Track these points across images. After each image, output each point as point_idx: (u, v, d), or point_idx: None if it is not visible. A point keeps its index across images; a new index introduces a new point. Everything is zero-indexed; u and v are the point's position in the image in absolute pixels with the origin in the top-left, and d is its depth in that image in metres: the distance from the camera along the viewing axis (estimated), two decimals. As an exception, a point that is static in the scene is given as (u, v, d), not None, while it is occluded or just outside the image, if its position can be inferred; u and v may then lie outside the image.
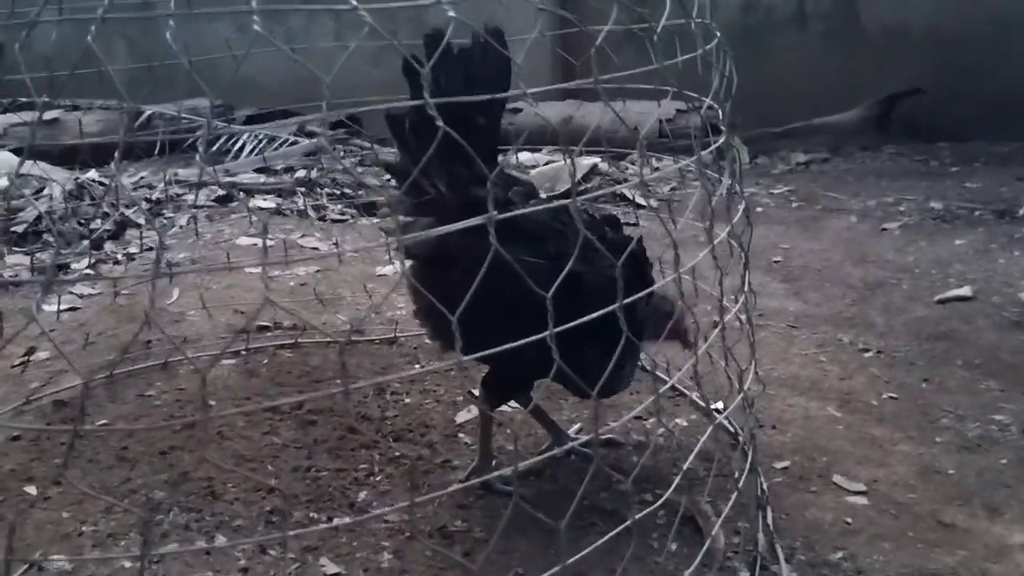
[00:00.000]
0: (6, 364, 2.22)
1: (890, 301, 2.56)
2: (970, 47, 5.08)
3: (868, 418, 1.85)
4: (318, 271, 2.95)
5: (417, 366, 2.18)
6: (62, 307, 2.62)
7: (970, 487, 1.59)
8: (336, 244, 3.30)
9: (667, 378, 1.89)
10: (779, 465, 1.66)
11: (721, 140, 1.37)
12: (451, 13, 0.97)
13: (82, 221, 3.74)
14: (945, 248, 3.06)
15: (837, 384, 2.01)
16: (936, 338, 2.28)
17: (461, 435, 1.81)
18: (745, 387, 1.38)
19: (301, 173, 4.73)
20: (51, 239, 3.49)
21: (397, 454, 1.73)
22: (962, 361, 2.12)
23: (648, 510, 1.27)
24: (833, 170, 4.69)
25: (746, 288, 1.43)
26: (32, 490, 1.64)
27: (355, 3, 0.79)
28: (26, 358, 2.23)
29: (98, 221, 3.77)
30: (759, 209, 3.74)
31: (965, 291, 2.58)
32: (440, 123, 0.86)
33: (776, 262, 2.98)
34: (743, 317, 1.42)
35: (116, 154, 0.86)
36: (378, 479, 1.65)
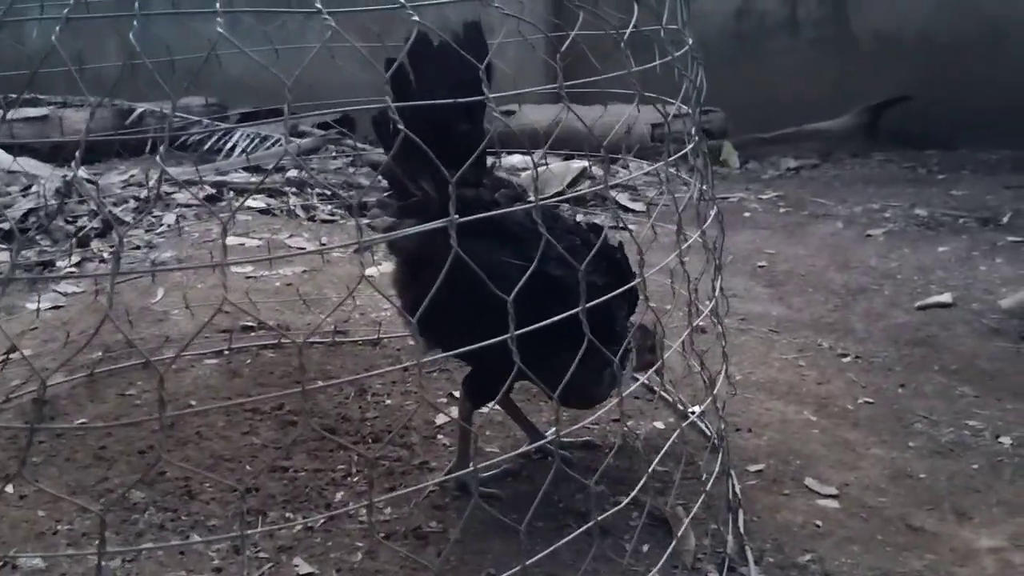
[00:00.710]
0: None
1: (871, 307, 2.58)
2: (960, 55, 5.12)
3: (843, 422, 1.87)
4: (304, 271, 2.96)
5: (399, 367, 2.18)
6: (46, 305, 2.62)
7: (940, 491, 1.61)
8: (322, 244, 3.31)
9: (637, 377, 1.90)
10: (753, 468, 1.67)
11: (689, 145, 1.39)
12: (415, 18, 0.98)
13: (70, 219, 3.74)
14: (928, 255, 3.08)
15: (814, 388, 2.03)
16: (914, 344, 2.30)
17: (440, 437, 1.82)
18: (716, 390, 1.39)
19: (292, 173, 4.74)
20: (37, 237, 3.49)
21: (376, 455, 1.74)
22: (939, 367, 2.14)
23: (613, 510, 1.28)
24: (822, 176, 4.71)
25: (717, 292, 1.44)
26: (9, 489, 1.64)
27: (319, 6, 0.80)
28: (6, 356, 2.23)
29: (85, 219, 3.77)
30: (746, 214, 3.77)
31: (945, 298, 2.61)
32: (401, 127, 0.88)
33: (761, 267, 3.00)
34: (714, 320, 1.44)
35: (77, 154, 0.86)
36: (355, 480, 1.66)
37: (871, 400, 1.96)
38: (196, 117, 5.53)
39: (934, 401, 1.96)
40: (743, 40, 5.71)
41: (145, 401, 2.02)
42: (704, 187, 1.41)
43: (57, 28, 0.77)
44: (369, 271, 2.99)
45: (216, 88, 5.72)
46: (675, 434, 1.36)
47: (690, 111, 1.37)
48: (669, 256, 1.29)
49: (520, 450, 1.63)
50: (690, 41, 1.36)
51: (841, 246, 3.22)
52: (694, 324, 1.34)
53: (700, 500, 1.45)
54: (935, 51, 5.19)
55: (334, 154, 5.33)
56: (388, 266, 3.09)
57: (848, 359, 2.19)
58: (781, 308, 2.60)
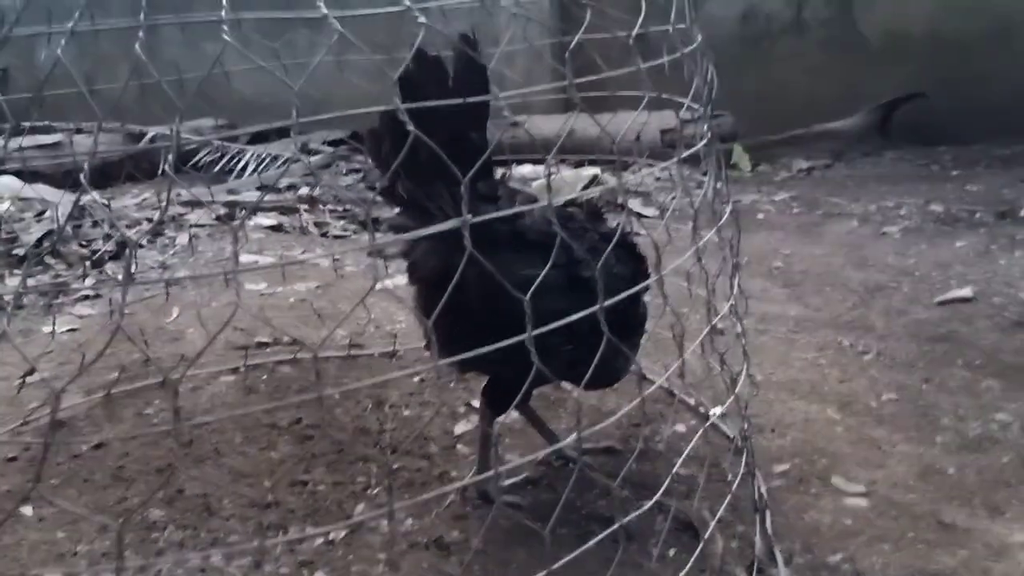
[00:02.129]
0: (7, 385, 2.22)
1: (890, 304, 2.55)
2: (970, 51, 5.08)
3: (868, 420, 1.84)
4: (318, 287, 2.95)
5: (415, 378, 2.17)
6: (62, 328, 2.63)
7: (970, 486, 1.57)
8: (335, 260, 3.32)
9: (654, 379, 1.88)
10: (778, 468, 1.65)
11: (702, 143, 1.37)
12: (421, 19, 0.97)
13: (84, 243, 3.77)
14: (946, 250, 3.04)
15: (837, 387, 2.00)
16: (936, 340, 2.26)
17: (459, 446, 1.81)
18: (737, 390, 1.37)
19: (304, 190, 4.76)
20: (52, 261, 3.52)
21: (396, 467, 1.72)
22: (962, 362, 2.11)
23: (635, 513, 1.25)
24: (835, 176, 4.68)
25: (735, 291, 1.42)
26: (28, 511, 1.64)
27: (323, 9, 0.79)
28: (23, 379, 2.24)
29: (100, 242, 3.79)
30: (760, 216, 3.74)
31: (966, 292, 2.57)
32: (411, 127, 0.87)
33: (777, 268, 2.97)
34: (734, 320, 1.42)
35: (86, 166, 0.85)
36: (375, 492, 1.64)
37: (895, 397, 1.93)
38: (207, 138, 5.57)
39: (959, 396, 1.93)
40: (750, 43, 5.69)
41: (163, 420, 2.01)
42: (718, 185, 1.40)
43: (62, 41, 0.76)
44: (387, 283, 2.99)
45: (226, 108, 5.77)
46: (697, 436, 1.34)
47: (701, 110, 1.36)
48: (683, 258, 1.27)
49: (540, 454, 1.61)
50: (699, 38, 1.35)
51: (857, 244, 3.18)
52: (713, 323, 1.32)
53: (726, 502, 1.42)
54: (945, 48, 5.16)
55: (345, 170, 5.34)
56: (400, 279, 3.08)
57: (870, 356, 2.16)
58: (799, 308, 2.57)
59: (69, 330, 2.65)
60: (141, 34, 0.80)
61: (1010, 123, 4.84)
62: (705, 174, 1.53)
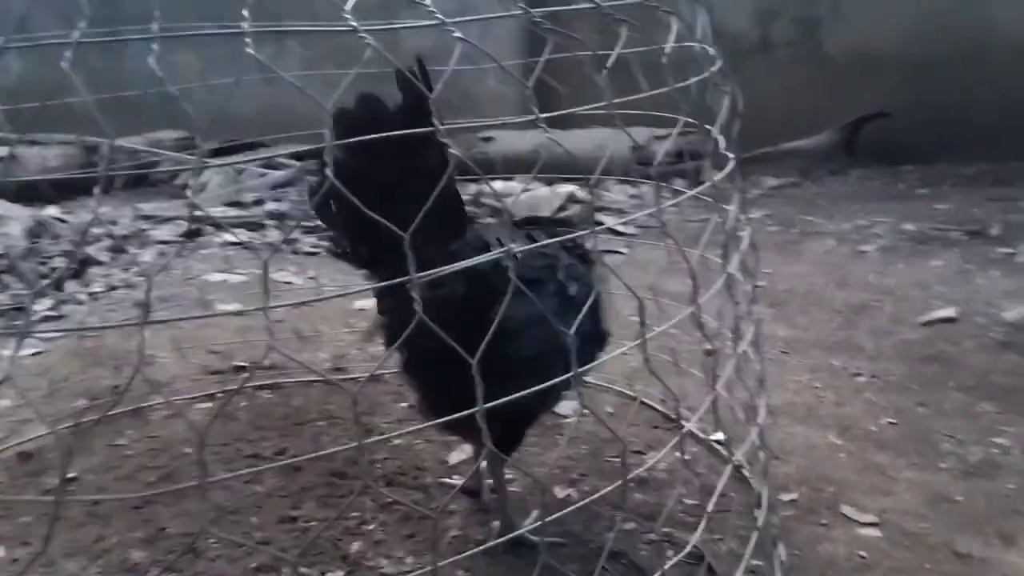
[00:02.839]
0: (-34, 415, 2.10)
1: (876, 324, 2.55)
2: (933, 72, 5.19)
3: (869, 445, 1.82)
4: (294, 307, 2.86)
5: (403, 404, 2.10)
6: (26, 351, 2.49)
7: (980, 514, 1.55)
8: (312, 278, 3.23)
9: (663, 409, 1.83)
10: (787, 497, 1.61)
11: (729, 167, 1.34)
12: (370, 41, 0.88)
13: (43, 260, 3.61)
14: (923, 270, 3.07)
15: (834, 411, 1.98)
16: (926, 361, 2.26)
17: (456, 478, 1.74)
18: (760, 420, 1.33)
19: (271, 206, 4.65)
20: (7, 279, 3.36)
21: (390, 500, 1.65)
22: (955, 384, 2.11)
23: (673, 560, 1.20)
24: (804, 194, 4.72)
25: (750, 316, 1.39)
26: (1, 551, 1.53)
27: (303, 27, 0.73)
28: None
29: (59, 259, 3.64)
30: (737, 234, 3.74)
31: (949, 312, 2.58)
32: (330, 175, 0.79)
33: (760, 287, 2.95)
34: (749, 349, 1.38)
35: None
36: (371, 528, 1.56)
37: (893, 421, 1.92)
38: (167, 152, 5.42)
39: (956, 420, 1.92)
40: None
41: (137, 451, 1.91)
42: (740, 216, 1.36)
43: None
44: (361, 304, 2.91)
45: (188, 122, 5.62)
46: (725, 474, 1.30)
47: (721, 136, 1.33)
48: (678, 279, 1.23)
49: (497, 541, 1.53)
50: (720, 61, 1.31)
51: (836, 263, 3.20)
52: (739, 350, 1.28)
53: (738, 535, 1.38)
54: (910, 69, 5.26)
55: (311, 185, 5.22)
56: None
57: (863, 379, 2.15)
58: (787, 328, 2.55)
59: (33, 353, 2.52)
60: (69, 53, 0.73)
61: (972, 143, 4.95)
62: (676, 193, 1.49)
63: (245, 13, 0.74)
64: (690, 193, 1.28)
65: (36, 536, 1.57)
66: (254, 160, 5.03)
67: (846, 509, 1.57)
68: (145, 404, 2.10)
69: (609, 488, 1.23)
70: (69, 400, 2.17)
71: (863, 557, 1.43)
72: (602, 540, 1.50)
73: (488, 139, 5.56)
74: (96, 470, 1.82)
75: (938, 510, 1.57)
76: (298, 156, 5.50)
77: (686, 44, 1.26)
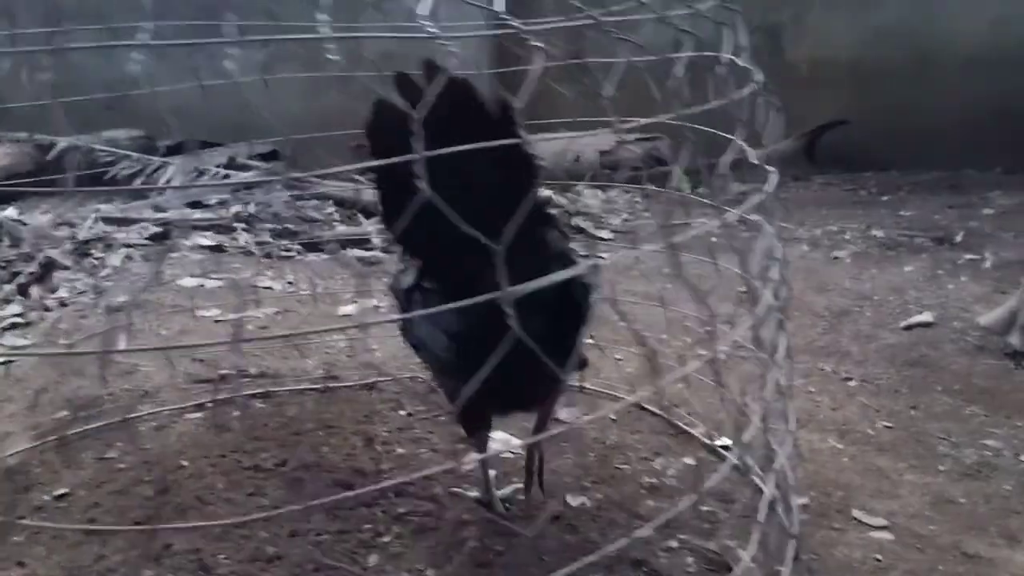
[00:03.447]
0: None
1: (858, 329, 2.61)
2: (891, 80, 5.34)
3: (869, 448, 1.85)
4: (277, 312, 2.80)
5: (402, 412, 2.07)
6: (-6, 361, 2.39)
7: (983, 515, 1.60)
8: (291, 283, 3.17)
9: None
10: (798, 502, 1.63)
11: (773, 182, 1.35)
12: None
13: (2, 264, 3.47)
14: (896, 275, 3.15)
15: (831, 415, 2.01)
16: (910, 364, 2.32)
17: (466, 487, 1.72)
18: (791, 427, 1.35)
19: (236, 207, 4.55)
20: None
21: (402, 511, 1.62)
22: (941, 387, 2.16)
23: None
24: (772, 201, 4.80)
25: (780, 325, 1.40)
26: (-7, 575, 1.46)
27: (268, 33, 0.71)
28: None
29: (20, 264, 3.50)
30: (713, 239, 3.79)
31: (927, 317, 2.65)
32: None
33: (743, 292, 3.00)
34: (777, 358, 1.39)
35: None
36: (386, 540, 1.53)
37: (889, 424, 1.96)
38: (123, 151, 5.25)
39: (948, 423, 1.97)
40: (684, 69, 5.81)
41: (129, 464, 1.84)
42: (772, 230, 1.38)
43: None
44: (345, 309, 2.87)
45: (143, 120, 5.47)
46: (767, 496, 1.30)
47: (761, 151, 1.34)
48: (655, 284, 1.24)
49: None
50: (760, 76, 1.33)
51: (812, 269, 3.26)
52: (773, 367, 1.29)
53: (755, 539, 1.39)
54: (867, 78, 5.41)
55: (278, 186, 5.14)
56: (362, 304, 2.96)
57: (854, 383, 2.20)
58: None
59: (3, 363, 2.41)
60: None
61: (929, 150, 5.10)
62: (646, 196, 1.51)
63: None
64: (737, 213, 1.28)
65: (31, 557, 1.50)
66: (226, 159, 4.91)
67: (856, 513, 1.60)
68: (133, 415, 2.03)
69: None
70: (49, 411, 2.08)
71: (878, 560, 1.46)
72: (622, 549, 1.50)
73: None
74: (87, 485, 1.75)
75: (943, 512, 1.61)
76: (263, 157, 5.39)
77: (725, 55, 1.27)
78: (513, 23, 0.81)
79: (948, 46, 5.31)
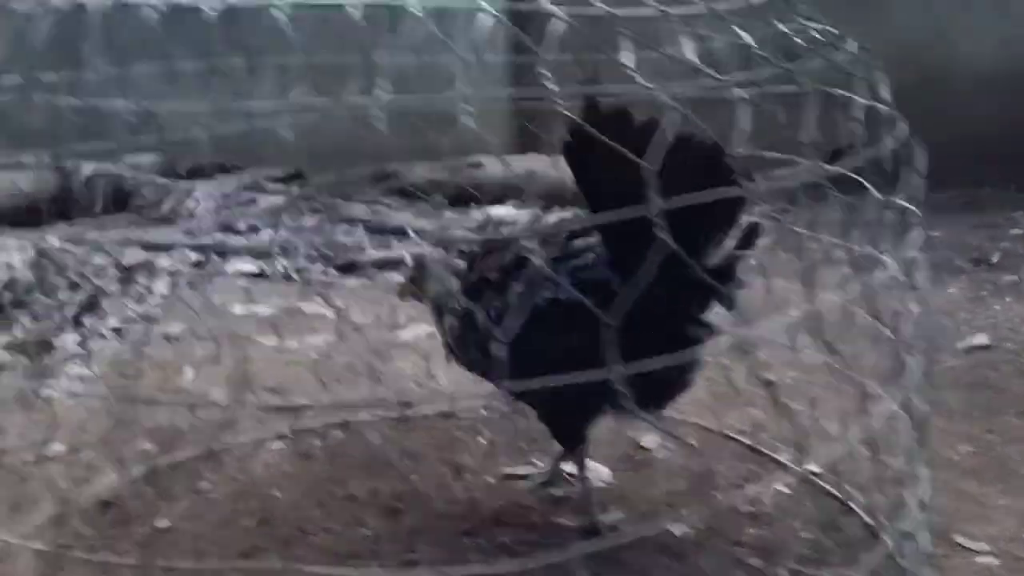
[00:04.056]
0: (14, 459, 2.01)
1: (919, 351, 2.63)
2: (901, 101, 5.40)
3: (954, 473, 1.87)
4: (337, 340, 2.81)
5: (482, 440, 2.08)
6: (63, 392, 2.40)
7: (1080, 540, 1.62)
8: (340, 309, 3.18)
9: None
10: (896, 528, 1.65)
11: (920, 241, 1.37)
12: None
13: (48, 292, 3.48)
14: (941, 296, 3.17)
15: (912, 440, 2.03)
16: (976, 388, 2.35)
17: (563, 516, 1.73)
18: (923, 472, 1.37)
19: (266, 232, 4.57)
20: (16, 313, 3.23)
21: (505, 540, 1.63)
22: (1014, 411, 2.19)
23: None
24: (798, 220, 4.83)
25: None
26: (115, 609, 1.46)
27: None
28: (38, 450, 2.03)
29: (65, 293, 3.51)
30: (752, 261, 3.82)
31: (983, 339, 2.68)
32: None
33: (794, 315, 3.02)
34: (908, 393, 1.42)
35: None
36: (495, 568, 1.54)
37: (971, 449, 1.98)
38: (148, 176, 5.28)
39: (1025, 446, 2.00)
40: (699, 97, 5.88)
41: (223, 496, 1.85)
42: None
43: None
44: (404, 335, 2.88)
45: (158, 144, 5.50)
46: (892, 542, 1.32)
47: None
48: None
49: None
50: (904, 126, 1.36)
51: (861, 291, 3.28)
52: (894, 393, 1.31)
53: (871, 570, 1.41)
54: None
55: (305, 211, 5.16)
56: (419, 329, 2.97)
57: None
58: (836, 357, 2.61)
59: (73, 394, 2.42)
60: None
61: (941, 170, 5.15)
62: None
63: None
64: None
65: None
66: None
67: (959, 539, 1.61)
68: (217, 446, 2.04)
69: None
70: (128, 442, 2.09)
71: (991, 587, 1.48)
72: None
73: (476, 165, 5.58)
74: (187, 517, 1.76)
75: (1042, 537, 1.63)
76: (282, 180, 5.40)
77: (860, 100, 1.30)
78: (713, 75, 0.84)
79: (960, 67, 5.39)
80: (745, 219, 1.56)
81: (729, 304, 1.58)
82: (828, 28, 1.34)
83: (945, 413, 2.18)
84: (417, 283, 1.87)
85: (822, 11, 1.48)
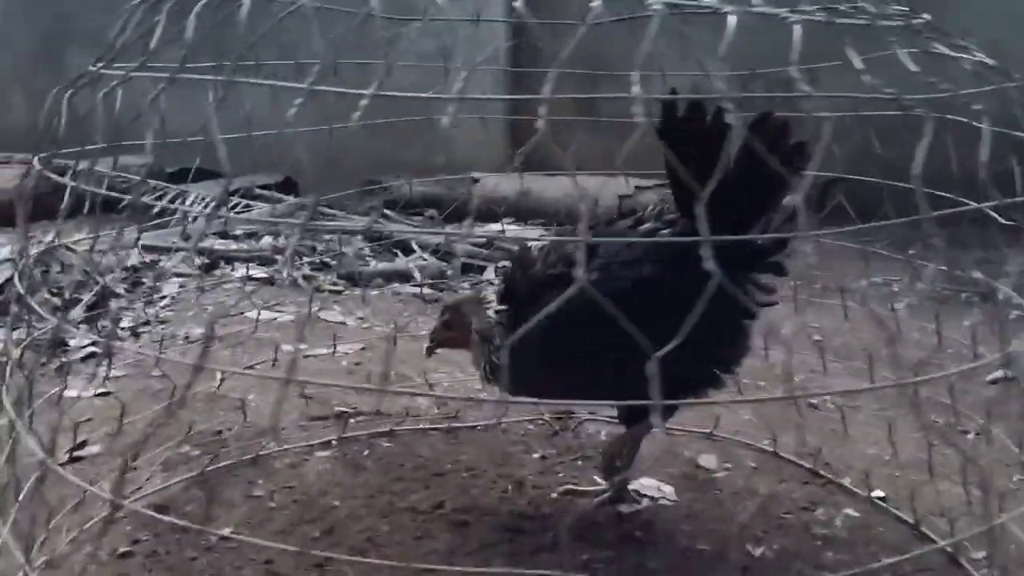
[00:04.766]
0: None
1: (948, 381, 2.66)
2: (883, 135, 5.54)
3: (1014, 503, 1.89)
4: (364, 349, 2.76)
5: (535, 455, 2.04)
6: (91, 392, 2.30)
7: None
8: (362, 318, 3.13)
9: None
10: (977, 555, 1.66)
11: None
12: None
13: (54, 290, 3.36)
14: (956, 329, 3.23)
15: (964, 466, 2.05)
16: (1010, 419, 2.38)
17: (638, 533, 1.70)
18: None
19: (266, 240, 4.49)
20: (16, 309, 3.10)
21: (585, 557, 1.60)
22: (1054, 441, 2.22)
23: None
24: (795, 249, 4.91)
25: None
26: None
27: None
28: (71, 452, 1.95)
29: (70, 289, 3.39)
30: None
31: (1009, 372, 2.73)
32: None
33: (817, 341, 3.05)
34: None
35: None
36: (582, 587, 1.51)
37: (1023, 477, 2.00)
38: (136, 177, 5.13)
39: (1074, 476, 2.03)
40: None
41: (280, 504, 1.78)
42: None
43: None
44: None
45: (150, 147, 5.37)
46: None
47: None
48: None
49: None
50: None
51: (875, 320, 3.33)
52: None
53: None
54: (863, 134, 5.61)
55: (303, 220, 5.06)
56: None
57: (971, 436, 2.24)
58: (863, 383, 2.64)
59: (99, 394, 2.33)
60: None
61: (911, 205, 5.28)
62: None
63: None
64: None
65: (219, 600, 1.44)
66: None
67: (1034, 567, 1.62)
68: (263, 452, 1.97)
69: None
70: (163, 443, 2.01)
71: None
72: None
73: (473, 180, 5.57)
74: (248, 524, 1.69)
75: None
76: (272, 187, 5.30)
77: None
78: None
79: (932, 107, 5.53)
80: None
81: (780, 271, 1.78)
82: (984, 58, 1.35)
83: (985, 440, 2.21)
84: (455, 325, 1.82)
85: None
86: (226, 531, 1.64)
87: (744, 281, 1.63)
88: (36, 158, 1.45)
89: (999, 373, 2.72)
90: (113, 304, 3.24)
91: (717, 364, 1.66)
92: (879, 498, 1.85)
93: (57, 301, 3.25)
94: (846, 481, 1.92)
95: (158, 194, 4.96)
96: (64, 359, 2.67)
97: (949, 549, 1.65)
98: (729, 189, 1.26)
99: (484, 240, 4.48)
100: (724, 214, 1.30)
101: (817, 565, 1.61)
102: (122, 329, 2.99)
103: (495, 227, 4.68)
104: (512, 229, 4.80)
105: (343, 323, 3.07)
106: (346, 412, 2.23)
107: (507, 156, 5.40)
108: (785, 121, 1.57)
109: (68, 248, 3.63)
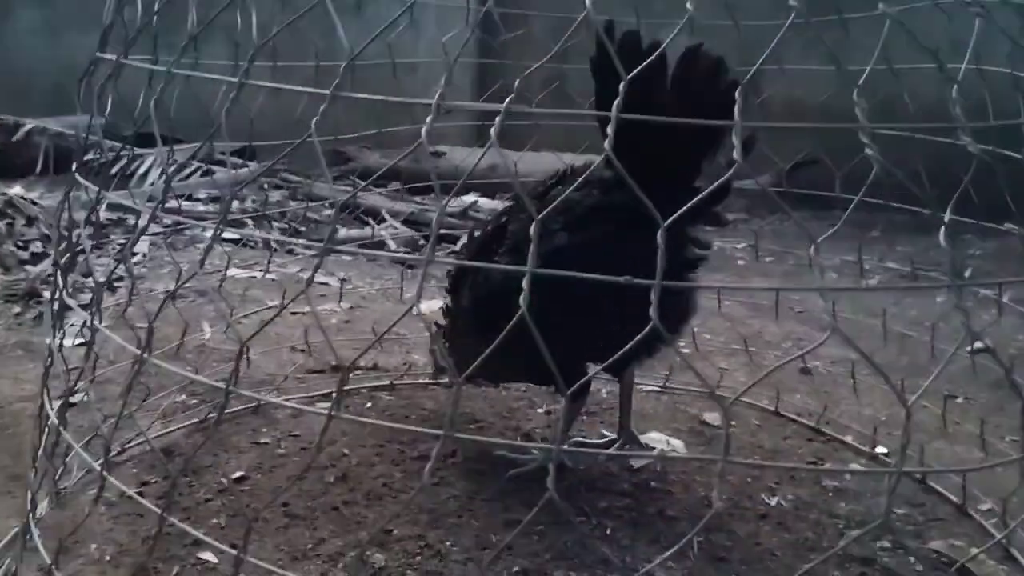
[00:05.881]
0: (33, 406, 1.83)
1: (932, 353, 2.73)
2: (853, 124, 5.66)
3: (1013, 469, 1.94)
4: (351, 307, 2.70)
5: (539, 410, 2.02)
6: (71, 342, 2.20)
7: None
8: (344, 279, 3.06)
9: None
10: (984, 507, 1.70)
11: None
12: None
13: (20, 243, 3.21)
14: (931, 305, 3.32)
15: (960, 428, 2.10)
16: (996, 387, 2.45)
17: (653, 484, 1.70)
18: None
19: (234, 204, 4.37)
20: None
21: (603, 504, 1.59)
22: (1035, 406, 2.30)
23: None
24: (764, 230, 4.98)
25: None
26: (211, 558, 1.34)
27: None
28: (65, 399, 1.86)
29: (38, 243, 3.25)
30: (740, 263, 3.91)
31: (987, 343, 2.81)
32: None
33: (800, 312, 3.10)
34: None
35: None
36: (613, 533, 1.50)
37: (1015, 438, 2.06)
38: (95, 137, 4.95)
39: (1059, 439, 2.09)
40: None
41: (290, 450, 1.73)
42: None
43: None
44: (421, 307, 2.79)
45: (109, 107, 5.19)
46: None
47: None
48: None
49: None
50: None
51: (853, 296, 3.40)
52: None
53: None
54: (833, 120, 5.71)
55: (266, 184, 4.95)
56: (433, 303, 2.89)
57: (960, 400, 2.30)
58: (854, 354, 2.68)
59: (80, 344, 2.22)
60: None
61: (886, 190, 5.42)
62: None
63: None
64: None
65: (236, 538, 1.39)
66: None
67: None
68: (263, 401, 1.91)
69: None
70: (159, 395, 1.93)
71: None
72: (849, 547, 1.51)
73: (439, 154, 5.51)
74: (259, 469, 1.64)
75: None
76: (240, 154, 5.18)
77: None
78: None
79: (905, 97, 5.67)
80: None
81: (718, 222, 1.72)
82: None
83: (977, 408, 2.27)
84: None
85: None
86: (237, 474, 1.59)
87: (681, 233, 1.57)
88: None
89: (979, 344, 2.79)
90: (81, 259, 3.10)
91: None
92: (883, 454, 1.89)
93: (24, 254, 3.13)
94: (848, 438, 1.95)
95: (114, 155, 4.79)
96: (40, 309, 2.56)
97: (955, 500, 1.68)
98: (663, 129, 1.30)
99: (458, 211, 4.45)
100: (659, 157, 1.36)
101: (832, 514, 1.62)
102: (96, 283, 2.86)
103: (468, 199, 4.65)
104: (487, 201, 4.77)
105: (326, 283, 3.00)
106: (337, 366, 2.17)
107: (474, 130, 5.36)
108: (719, 57, 1.48)
109: (32, 202, 3.48)
